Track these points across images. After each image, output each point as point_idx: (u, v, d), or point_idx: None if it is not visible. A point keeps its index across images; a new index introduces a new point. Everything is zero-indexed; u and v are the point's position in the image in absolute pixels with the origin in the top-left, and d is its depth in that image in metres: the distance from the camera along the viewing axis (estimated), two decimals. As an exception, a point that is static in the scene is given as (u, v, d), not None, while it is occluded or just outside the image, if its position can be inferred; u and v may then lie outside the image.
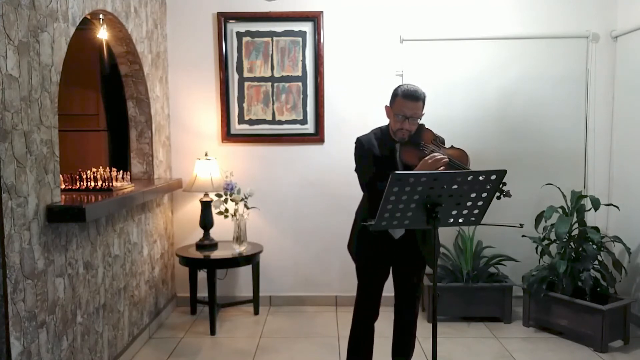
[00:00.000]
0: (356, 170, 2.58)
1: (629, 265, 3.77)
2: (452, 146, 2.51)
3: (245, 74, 4.14)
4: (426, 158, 2.32)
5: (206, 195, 3.95)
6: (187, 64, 4.15)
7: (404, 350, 2.77)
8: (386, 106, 2.55)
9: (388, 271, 2.67)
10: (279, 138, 4.17)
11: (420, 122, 2.51)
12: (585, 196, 3.71)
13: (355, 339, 2.72)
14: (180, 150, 4.21)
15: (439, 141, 2.51)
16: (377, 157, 2.49)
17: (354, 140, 2.59)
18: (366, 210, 2.61)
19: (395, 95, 2.48)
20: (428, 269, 2.73)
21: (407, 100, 2.41)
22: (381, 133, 2.56)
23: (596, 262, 3.55)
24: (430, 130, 2.53)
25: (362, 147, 2.52)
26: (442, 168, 2.29)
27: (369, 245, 2.59)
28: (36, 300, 2.23)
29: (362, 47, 4.11)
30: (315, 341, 3.57)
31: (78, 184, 2.93)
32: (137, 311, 3.46)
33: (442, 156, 2.31)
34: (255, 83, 4.15)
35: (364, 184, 2.55)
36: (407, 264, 2.63)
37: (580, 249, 3.55)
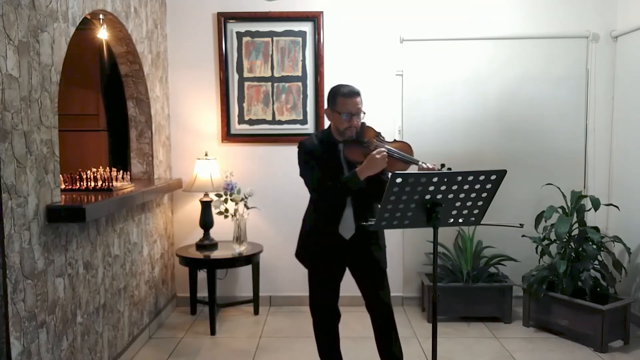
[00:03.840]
0: (301, 175, 2.58)
1: (629, 265, 3.77)
2: (394, 140, 2.56)
3: (245, 74, 4.14)
4: (373, 153, 2.35)
5: (206, 195, 3.95)
6: (187, 64, 4.15)
7: (390, 353, 2.66)
8: (326, 110, 2.56)
9: (341, 272, 2.65)
10: (279, 138, 4.17)
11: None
12: (585, 196, 3.71)
13: (320, 343, 2.72)
14: (180, 150, 4.21)
15: (381, 137, 2.55)
16: (322, 158, 2.52)
17: None
18: (312, 215, 2.64)
19: (334, 96, 2.50)
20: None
21: (348, 98, 2.46)
22: (322, 135, 2.60)
23: (596, 262, 3.56)
24: (372, 128, 2.56)
25: (306, 150, 2.54)
26: (385, 161, 2.34)
27: (317, 247, 2.60)
28: (36, 300, 2.23)
29: (362, 47, 4.11)
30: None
31: (78, 184, 2.93)
32: (137, 311, 3.46)
33: (385, 151, 2.36)
34: (255, 83, 4.15)
35: (313, 189, 2.56)
36: (362, 263, 2.61)
37: (580, 249, 3.55)
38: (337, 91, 2.51)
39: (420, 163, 2.37)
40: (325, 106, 2.60)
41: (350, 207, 2.52)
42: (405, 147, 2.51)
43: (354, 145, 2.48)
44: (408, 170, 2.38)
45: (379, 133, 2.56)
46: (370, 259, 2.60)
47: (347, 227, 2.54)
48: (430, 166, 2.33)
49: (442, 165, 2.33)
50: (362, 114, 2.50)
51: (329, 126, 2.59)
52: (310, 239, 2.65)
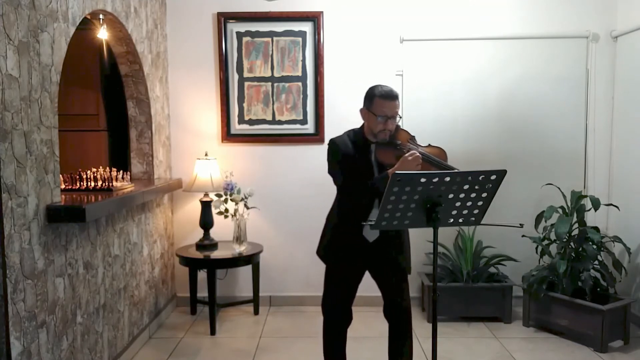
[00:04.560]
0: (330, 172, 2.55)
1: (629, 265, 3.77)
2: (429, 145, 2.52)
3: (245, 74, 4.14)
4: (406, 155, 2.30)
5: (206, 195, 3.95)
6: (187, 64, 4.15)
7: (400, 356, 2.67)
8: (362, 109, 2.51)
9: (360, 275, 2.62)
10: (279, 138, 4.17)
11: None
12: (585, 196, 3.71)
13: (326, 342, 2.68)
14: (180, 150, 4.21)
15: (415, 140, 2.51)
16: (352, 158, 2.48)
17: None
18: (337, 214, 2.61)
19: (371, 97, 2.45)
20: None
21: (386, 101, 2.41)
22: (354, 134, 2.55)
23: (596, 262, 3.56)
24: (406, 131, 2.52)
25: (338, 148, 2.49)
26: (419, 165, 2.29)
27: (341, 248, 2.57)
28: (36, 300, 2.23)
29: (362, 47, 4.11)
30: (315, 341, 3.55)
31: (78, 184, 2.93)
32: (137, 311, 3.47)
33: (418, 153, 2.31)
34: (255, 83, 4.15)
35: (341, 189, 2.53)
36: (384, 265, 2.58)
37: (580, 249, 3.55)
38: (374, 92, 2.45)
39: (454, 169, 2.30)
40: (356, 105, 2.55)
41: (376, 210, 2.45)
42: (440, 152, 2.46)
43: (386, 147, 2.43)
44: None
45: (414, 137, 2.51)
46: (393, 264, 2.57)
47: (370, 229, 2.48)
48: None
49: None
50: (397, 118, 2.45)
51: (362, 125, 2.54)
52: (333, 239, 2.61)
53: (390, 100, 2.41)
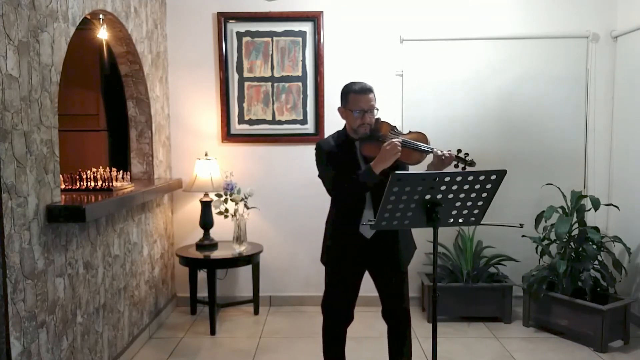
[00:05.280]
0: (320, 176, 2.56)
1: (629, 265, 3.77)
2: (409, 131, 2.55)
3: (245, 74, 4.14)
4: (385, 144, 2.33)
5: (206, 195, 3.95)
6: (187, 64, 4.15)
7: (400, 357, 2.67)
8: (339, 108, 2.55)
9: (360, 275, 2.60)
10: (279, 138, 4.17)
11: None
12: (585, 196, 3.71)
13: (326, 343, 2.67)
14: (180, 150, 4.21)
15: (396, 130, 2.53)
16: (338, 157, 2.50)
17: None
18: (333, 217, 2.60)
19: (346, 94, 2.50)
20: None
21: (360, 95, 2.45)
22: (338, 135, 2.59)
23: (596, 262, 3.56)
24: (386, 122, 2.55)
25: (322, 150, 2.53)
26: (399, 153, 2.33)
27: (340, 249, 2.56)
28: (36, 300, 2.23)
29: (362, 47, 4.11)
30: (315, 341, 3.56)
31: (78, 184, 2.93)
32: (137, 311, 3.47)
33: (396, 141, 2.34)
34: (255, 83, 4.15)
35: (331, 188, 2.53)
36: (384, 265, 2.57)
37: (580, 249, 3.55)
38: (348, 89, 2.50)
39: (435, 150, 2.36)
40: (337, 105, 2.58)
41: (370, 209, 2.47)
42: (420, 136, 2.49)
43: (369, 141, 2.47)
44: (425, 159, 2.41)
45: (394, 127, 2.54)
46: (394, 264, 2.57)
47: (367, 226, 2.48)
48: (447, 154, 2.33)
49: (459, 151, 2.35)
50: (375, 111, 2.48)
51: (344, 126, 2.57)
52: (332, 242, 2.61)
53: (364, 94, 2.45)
